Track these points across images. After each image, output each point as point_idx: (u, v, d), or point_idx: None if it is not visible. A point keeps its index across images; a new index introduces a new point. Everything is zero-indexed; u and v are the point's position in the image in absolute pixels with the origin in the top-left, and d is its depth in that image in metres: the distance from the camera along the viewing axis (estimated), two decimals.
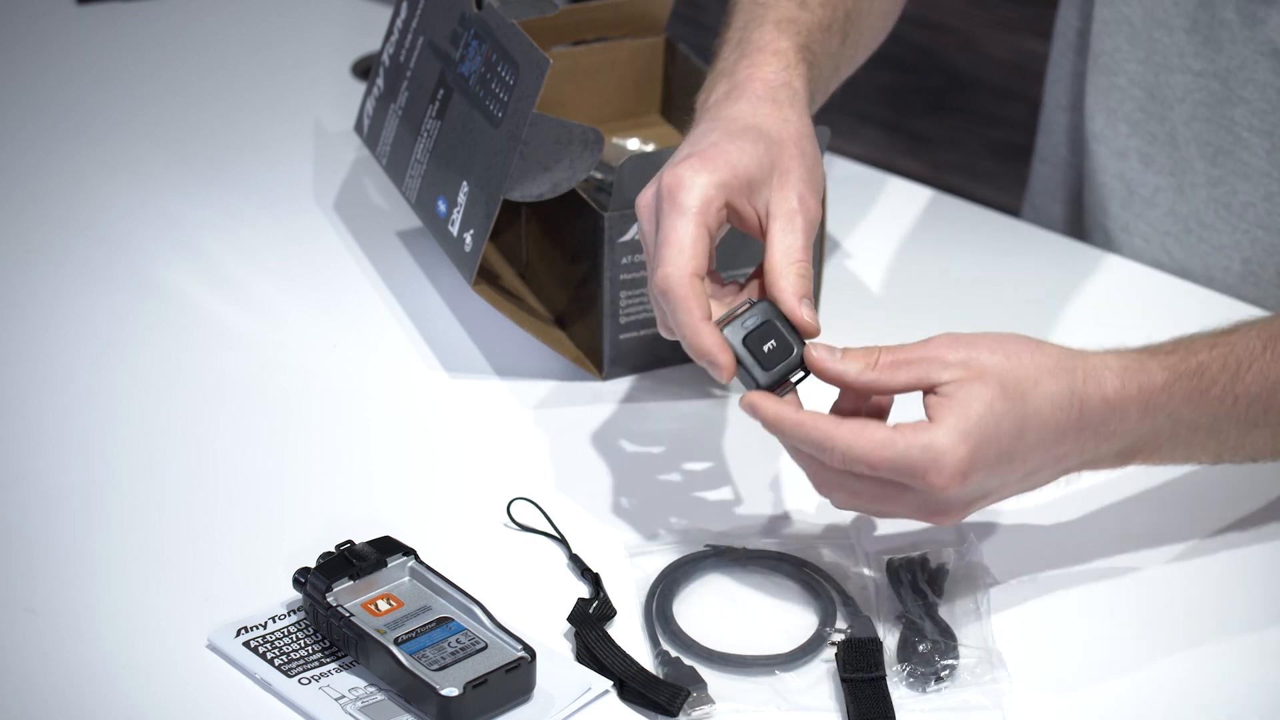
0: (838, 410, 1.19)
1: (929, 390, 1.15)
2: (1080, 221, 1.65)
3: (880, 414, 1.19)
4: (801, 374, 1.19)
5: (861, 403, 1.19)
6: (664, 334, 1.22)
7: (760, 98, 1.26)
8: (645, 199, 1.23)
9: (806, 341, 1.18)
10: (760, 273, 1.22)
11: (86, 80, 1.76)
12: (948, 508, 1.16)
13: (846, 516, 1.28)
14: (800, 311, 1.19)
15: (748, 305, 1.19)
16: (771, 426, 1.17)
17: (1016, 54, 2.85)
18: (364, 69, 1.77)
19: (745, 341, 1.18)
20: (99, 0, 1.87)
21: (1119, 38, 1.54)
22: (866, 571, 1.23)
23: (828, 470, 1.16)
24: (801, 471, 1.19)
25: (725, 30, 1.34)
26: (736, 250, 1.34)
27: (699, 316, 1.17)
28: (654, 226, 1.21)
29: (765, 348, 1.18)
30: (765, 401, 1.17)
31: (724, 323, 1.18)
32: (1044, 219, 1.69)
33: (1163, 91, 1.52)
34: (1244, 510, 1.30)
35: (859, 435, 1.14)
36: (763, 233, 1.22)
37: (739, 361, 1.18)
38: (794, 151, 1.23)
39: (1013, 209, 1.71)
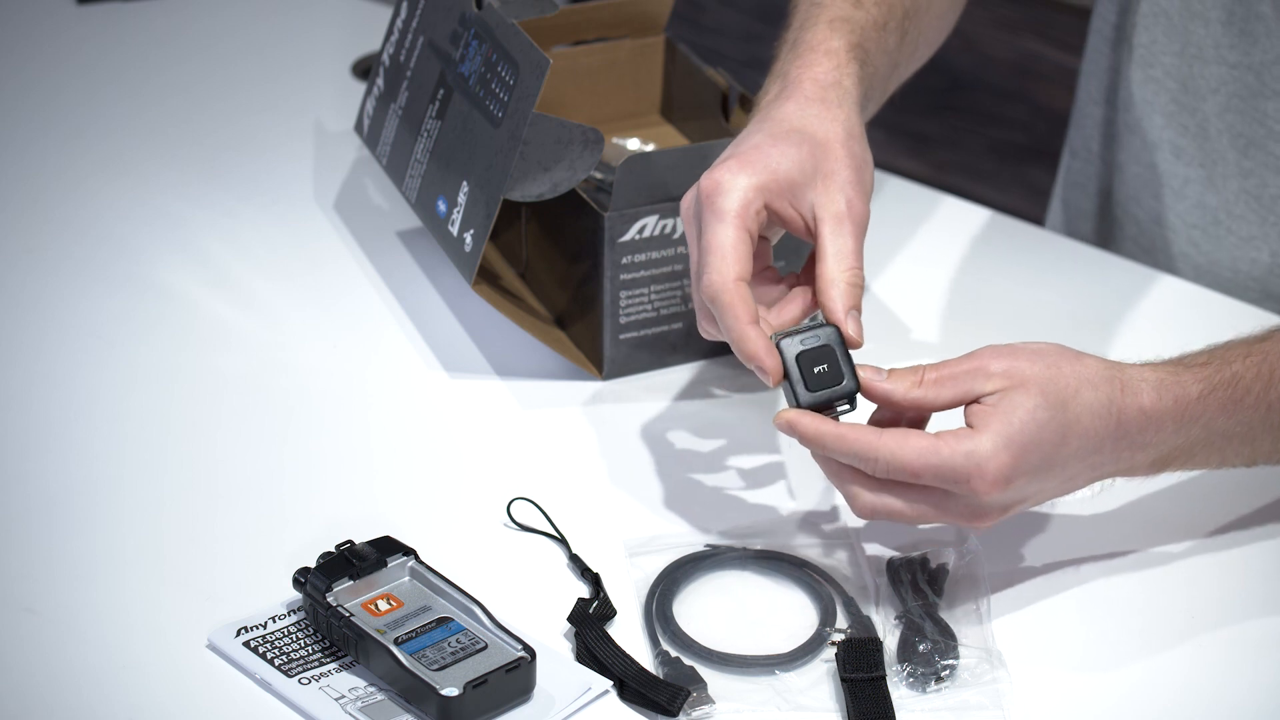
0: (875, 423, 1.20)
1: (972, 401, 1.17)
2: (1110, 214, 1.65)
3: (916, 425, 1.20)
4: (847, 406, 1.19)
5: (899, 416, 1.20)
6: (703, 333, 1.23)
7: (809, 98, 1.26)
8: (686, 202, 1.24)
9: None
10: (810, 270, 1.23)
11: (86, 80, 1.76)
12: (987, 512, 1.17)
13: (847, 517, 1.27)
14: (846, 324, 1.20)
15: (813, 324, 1.19)
16: (811, 441, 1.18)
17: (1017, 54, 2.85)
18: (364, 69, 1.77)
19: (799, 358, 1.18)
20: (99, 0, 1.87)
21: (1156, 30, 1.54)
22: (866, 571, 1.23)
23: (868, 483, 1.17)
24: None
25: (784, 32, 1.35)
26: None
27: (745, 320, 1.19)
28: (695, 230, 1.22)
29: (816, 369, 1.18)
30: (802, 418, 1.18)
31: (783, 335, 1.19)
32: (1073, 212, 1.70)
33: (1196, 83, 1.52)
34: (1246, 510, 1.30)
35: (902, 444, 1.15)
36: (811, 235, 1.22)
37: (785, 374, 1.18)
38: (841, 153, 1.23)
39: (1014, 208, 1.71)
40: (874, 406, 1.21)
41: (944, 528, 1.26)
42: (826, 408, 1.18)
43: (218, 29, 1.85)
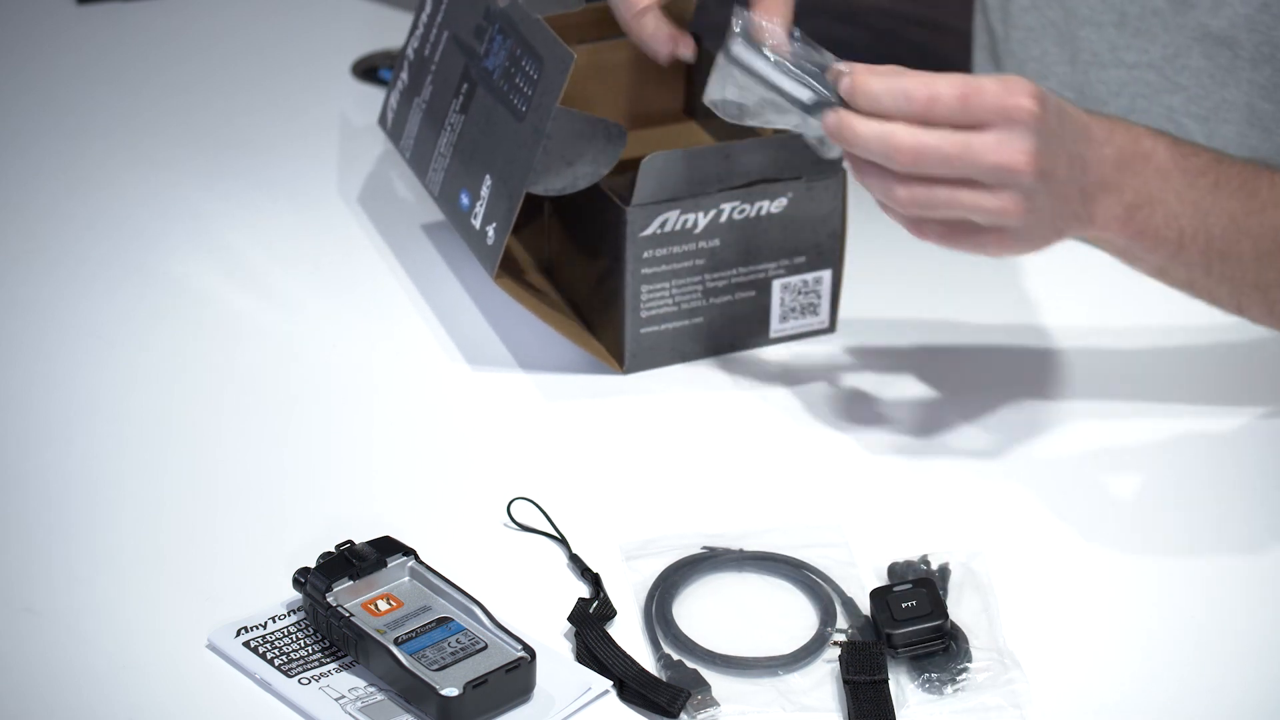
0: None
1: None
2: None
3: None
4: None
5: None
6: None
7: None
8: None
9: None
10: None
11: (86, 80, 1.76)
12: (1021, 152, 1.17)
13: (846, 517, 1.27)
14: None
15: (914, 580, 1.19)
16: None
17: None
18: (364, 69, 1.77)
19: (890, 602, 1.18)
20: (99, 0, 1.87)
21: (1046, 42, 1.56)
22: (866, 573, 1.23)
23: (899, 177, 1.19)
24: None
25: None
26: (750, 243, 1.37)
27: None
28: None
29: (904, 605, 1.18)
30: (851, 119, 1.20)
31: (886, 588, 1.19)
32: None
33: (1094, 89, 1.53)
34: (1260, 499, 1.30)
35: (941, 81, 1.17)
36: None
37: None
38: None
39: None
40: None
41: (943, 528, 1.26)
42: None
43: (218, 29, 1.85)
